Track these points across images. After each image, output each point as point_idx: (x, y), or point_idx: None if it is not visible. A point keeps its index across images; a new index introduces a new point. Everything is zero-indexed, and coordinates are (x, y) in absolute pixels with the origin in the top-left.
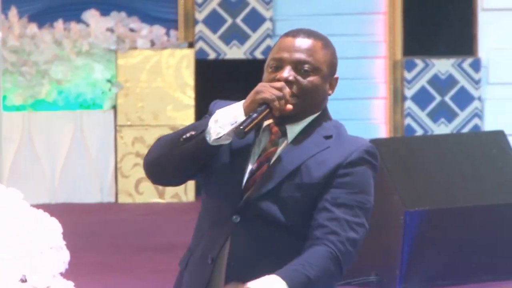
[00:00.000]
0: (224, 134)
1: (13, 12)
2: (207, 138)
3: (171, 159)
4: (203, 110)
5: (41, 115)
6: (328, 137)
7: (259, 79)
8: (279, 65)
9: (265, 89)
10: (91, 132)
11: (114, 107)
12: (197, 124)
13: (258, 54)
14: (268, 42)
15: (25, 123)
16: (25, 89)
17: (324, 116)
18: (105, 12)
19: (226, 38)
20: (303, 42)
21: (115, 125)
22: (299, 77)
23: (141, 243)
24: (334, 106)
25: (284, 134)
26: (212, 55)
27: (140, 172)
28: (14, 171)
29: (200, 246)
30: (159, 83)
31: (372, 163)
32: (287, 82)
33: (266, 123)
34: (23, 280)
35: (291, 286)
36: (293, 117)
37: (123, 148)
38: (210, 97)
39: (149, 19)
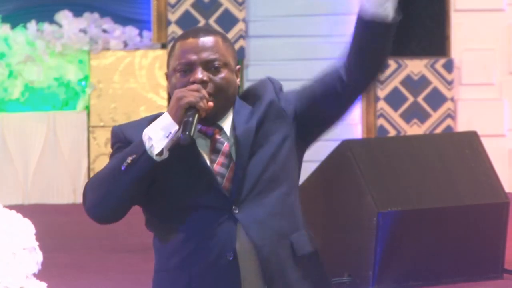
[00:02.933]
0: (163, 148)
1: None
2: (152, 156)
3: (118, 192)
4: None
5: (13, 116)
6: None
7: None
8: (188, 68)
9: (186, 93)
10: (64, 133)
11: (87, 108)
12: (130, 150)
13: None
14: (241, 42)
15: None
16: None
17: (240, 111)
18: (78, 13)
19: None
20: (205, 41)
21: (88, 126)
22: (211, 76)
23: (114, 244)
24: None
25: (221, 130)
26: None
27: None
28: None
29: (192, 255)
30: (132, 84)
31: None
32: (202, 82)
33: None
34: None
35: None
36: (217, 115)
37: (96, 149)
38: None
39: (122, 20)
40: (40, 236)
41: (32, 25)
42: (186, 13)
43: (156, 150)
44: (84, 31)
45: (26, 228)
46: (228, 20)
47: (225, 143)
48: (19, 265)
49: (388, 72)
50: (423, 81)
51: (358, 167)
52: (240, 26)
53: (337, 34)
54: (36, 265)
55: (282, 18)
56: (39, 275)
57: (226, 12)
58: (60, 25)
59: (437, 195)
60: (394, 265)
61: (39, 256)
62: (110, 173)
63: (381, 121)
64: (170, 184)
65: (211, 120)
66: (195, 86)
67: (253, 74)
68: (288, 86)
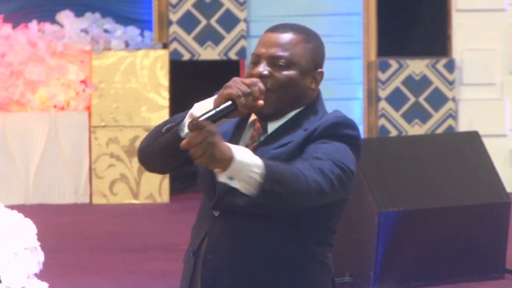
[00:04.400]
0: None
1: None
2: (179, 131)
3: (154, 148)
4: (177, 111)
5: (15, 116)
6: (306, 129)
7: None
8: (257, 60)
9: (233, 84)
10: (65, 133)
11: (89, 108)
12: (178, 116)
13: (232, 55)
14: (242, 43)
15: (1, 125)
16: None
17: (311, 110)
18: (79, 13)
19: (200, 39)
20: (281, 37)
21: (90, 126)
22: (274, 72)
23: (116, 244)
24: None
25: (265, 131)
26: (186, 56)
27: (115, 173)
28: None
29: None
30: (134, 84)
31: (343, 133)
32: (262, 77)
33: (251, 119)
34: None
35: (266, 165)
36: (274, 113)
37: (98, 149)
38: (185, 98)
39: (124, 20)
40: (42, 236)
41: (33, 25)
42: (187, 13)
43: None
44: (85, 31)
45: (28, 228)
46: (229, 20)
47: (253, 144)
48: (20, 265)
49: (389, 72)
50: (425, 81)
51: (359, 167)
52: (241, 26)
53: (337, 34)
54: (38, 265)
55: (283, 18)
56: (41, 275)
57: (227, 12)
58: (61, 25)
59: (438, 195)
60: (395, 265)
61: (40, 256)
62: (157, 129)
63: (382, 121)
64: (198, 166)
65: (268, 116)
66: (249, 80)
67: None
68: None
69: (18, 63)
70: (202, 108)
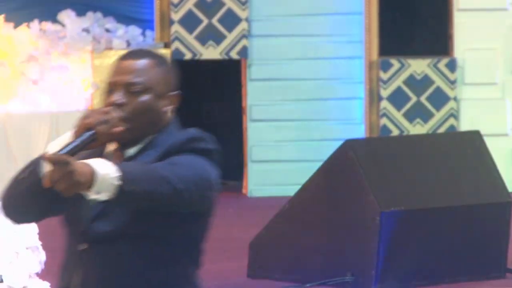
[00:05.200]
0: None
1: None
2: (39, 173)
3: (19, 196)
4: (179, 110)
5: (17, 116)
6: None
7: (235, 79)
8: (112, 88)
9: (91, 114)
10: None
11: (90, 108)
12: (35, 160)
13: (234, 54)
14: (244, 42)
15: (1, 124)
16: (1, 89)
17: (167, 133)
18: (80, 12)
19: (202, 39)
20: (133, 64)
21: None
22: (130, 99)
23: None
24: (311, 106)
25: (123, 158)
26: (188, 55)
27: None
28: None
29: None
30: None
31: (198, 147)
32: (118, 105)
33: (110, 148)
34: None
35: (122, 167)
36: (132, 140)
37: None
38: (187, 97)
39: (125, 19)
40: (43, 236)
41: (35, 24)
42: (189, 13)
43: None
44: (87, 30)
45: (29, 228)
46: (231, 20)
47: None
48: (22, 265)
49: (391, 71)
50: (426, 81)
51: (360, 166)
52: (243, 25)
53: (339, 34)
54: (39, 264)
55: (285, 17)
56: (42, 275)
57: (229, 11)
58: (63, 25)
59: (440, 194)
60: (397, 264)
61: (42, 256)
62: (16, 177)
63: (384, 121)
64: (64, 202)
65: (128, 143)
66: (106, 109)
67: (256, 73)
68: (292, 86)
69: (20, 62)
70: (57, 143)
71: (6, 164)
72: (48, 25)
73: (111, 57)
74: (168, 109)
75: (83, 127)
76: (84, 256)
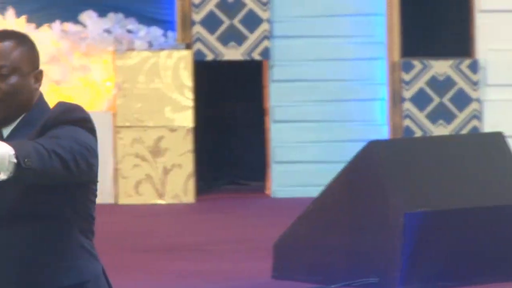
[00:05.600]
0: None
1: (10, 12)
2: None
3: None
4: (201, 111)
5: None
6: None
7: (256, 80)
8: None
9: None
10: None
11: (113, 108)
12: None
13: (255, 55)
14: (266, 43)
15: None
16: None
17: (39, 108)
18: (102, 13)
19: (224, 39)
20: None
21: (114, 126)
22: None
23: (141, 245)
24: (334, 107)
25: (1, 137)
26: (209, 56)
27: (140, 173)
28: None
29: None
30: (157, 84)
31: (72, 118)
32: None
33: None
34: None
35: (15, 145)
36: (5, 120)
37: (122, 149)
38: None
39: (147, 20)
40: None
41: (56, 25)
42: (210, 14)
43: None
44: (108, 31)
45: None
46: (252, 21)
47: None
48: None
49: (413, 73)
50: (449, 82)
51: (384, 167)
52: (264, 26)
53: (361, 35)
54: None
55: (306, 18)
56: None
57: (250, 12)
58: (84, 26)
59: (463, 195)
60: (421, 265)
61: None
62: None
63: (407, 122)
64: None
65: (1, 123)
66: None
67: (278, 74)
68: (314, 87)
69: (42, 63)
70: None
71: None
72: (69, 26)
73: (133, 58)
74: (35, 86)
75: None
76: None
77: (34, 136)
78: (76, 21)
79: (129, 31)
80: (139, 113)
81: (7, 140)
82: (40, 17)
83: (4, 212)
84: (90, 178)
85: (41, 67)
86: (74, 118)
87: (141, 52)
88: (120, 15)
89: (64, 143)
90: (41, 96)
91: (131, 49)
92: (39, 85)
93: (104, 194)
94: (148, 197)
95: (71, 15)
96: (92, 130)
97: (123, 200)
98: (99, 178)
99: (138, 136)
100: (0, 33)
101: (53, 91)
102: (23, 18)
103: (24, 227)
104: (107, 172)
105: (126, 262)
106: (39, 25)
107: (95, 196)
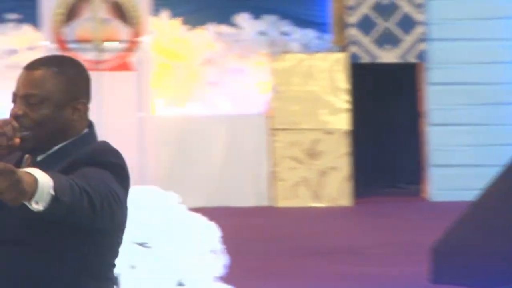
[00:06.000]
0: None
1: (165, 14)
2: None
3: None
4: (357, 114)
5: (195, 119)
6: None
7: (411, 83)
8: (14, 99)
9: None
10: (244, 136)
11: (268, 111)
12: None
13: (411, 58)
14: (422, 46)
15: (180, 127)
16: (178, 92)
17: (80, 141)
18: (257, 15)
19: (379, 42)
20: (31, 75)
21: (269, 129)
22: (29, 110)
23: (300, 247)
24: (491, 110)
25: (35, 164)
26: (364, 59)
27: (296, 176)
28: (171, 174)
29: None
30: (312, 86)
31: (104, 161)
32: (17, 116)
33: (26, 156)
34: (181, 284)
35: (55, 182)
36: (40, 147)
37: (279, 151)
38: (364, 101)
39: (301, 22)
40: (225, 239)
41: (211, 27)
42: (365, 16)
43: None
44: (263, 33)
45: (212, 231)
46: (407, 23)
47: None
48: (205, 268)
49: None
50: None
51: None
52: (420, 29)
53: None
54: (222, 268)
55: (463, 21)
56: (226, 278)
57: (405, 15)
58: (239, 28)
59: None
60: None
61: (225, 259)
62: None
63: None
64: None
65: (37, 150)
66: (1, 121)
67: (435, 77)
68: (471, 90)
69: (197, 65)
70: None
71: (185, 166)
72: (224, 28)
73: (288, 61)
74: (75, 117)
75: None
76: None
77: (59, 170)
78: (231, 23)
79: (284, 34)
80: (295, 115)
81: (39, 166)
82: (195, 19)
83: (3, 236)
84: (110, 224)
85: (195, 68)
86: (106, 162)
87: (296, 55)
88: (275, 17)
89: (93, 184)
90: (90, 130)
91: (285, 51)
92: (80, 116)
93: (259, 197)
94: (304, 199)
95: (225, 17)
96: (122, 178)
97: (280, 203)
98: (256, 180)
99: (294, 139)
100: (38, 61)
101: (208, 93)
102: (178, 20)
103: (18, 253)
104: (263, 175)
105: (286, 265)
106: (193, 27)
107: (119, 244)
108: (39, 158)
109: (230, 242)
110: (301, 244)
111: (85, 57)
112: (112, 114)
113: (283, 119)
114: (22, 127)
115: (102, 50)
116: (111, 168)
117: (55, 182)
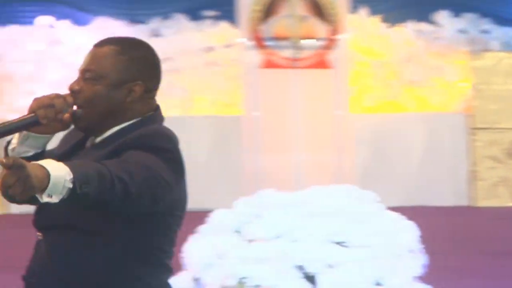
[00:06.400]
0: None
1: (364, 11)
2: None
3: None
4: None
5: (392, 117)
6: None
7: None
8: (77, 75)
9: (40, 98)
10: (443, 135)
11: (468, 110)
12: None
13: None
14: None
15: (377, 126)
16: (376, 90)
17: (140, 125)
18: (457, 13)
19: None
20: (94, 51)
21: (469, 128)
22: (84, 86)
23: (498, 247)
24: None
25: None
26: None
27: (496, 176)
28: (368, 173)
29: None
30: None
31: (153, 145)
32: (73, 92)
33: (91, 138)
34: (379, 284)
35: (72, 167)
36: (90, 128)
37: (479, 151)
38: None
39: (502, 20)
40: (424, 239)
41: (410, 25)
42: None
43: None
44: (463, 31)
45: (410, 230)
46: None
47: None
48: (403, 267)
49: None
50: None
51: None
52: None
53: None
54: (421, 267)
55: None
56: (424, 278)
57: None
58: (439, 25)
59: None
60: None
61: (423, 259)
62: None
63: None
64: None
65: (87, 130)
66: (53, 94)
67: None
68: None
69: (396, 63)
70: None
71: (383, 165)
72: (424, 26)
73: (488, 59)
74: (129, 99)
75: (29, 109)
76: (38, 245)
77: (106, 154)
78: (431, 21)
79: (484, 32)
80: (495, 114)
81: (95, 149)
82: (394, 16)
83: (49, 221)
84: (152, 209)
85: (395, 67)
86: (152, 146)
87: (497, 53)
88: (475, 15)
89: (133, 170)
90: (154, 114)
91: (486, 49)
92: (136, 99)
93: (458, 196)
94: (504, 199)
95: (425, 15)
96: (171, 163)
97: (480, 203)
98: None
99: (494, 138)
100: (107, 39)
101: (407, 91)
102: (377, 17)
103: (71, 239)
104: (461, 174)
105: (483, 265)
106: (393, 24)
107: (172, 230)
108: (97, 139)
109: (429, 241)
110: (500, 244)
111: (282, 54)
112: (309, 111)
113: (483, 118)
114: (75, 103)
115: (299, 48)
116: (158, 152)
117: (77, 174)
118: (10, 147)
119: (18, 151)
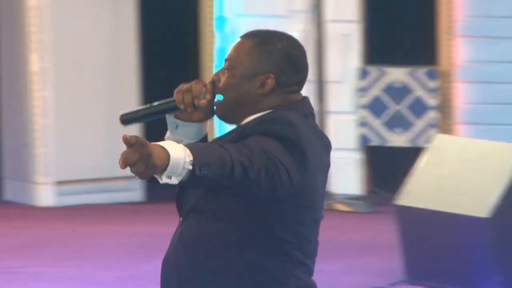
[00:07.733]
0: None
1: None
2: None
3: None
4: None
5: None
6: None
7: None
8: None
9: (185, 85)
10: None
11: None
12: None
13: None
14: None
15: None
16: None
17: (270, 115)
18: None
19: None
20: (236, 42)
21: None
22: (222, 76)
23: None
24: None
25: None
26: None
27: None
28: None
29: None
30: None
31: (273, 130)
32: (213, 81)
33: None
34: None
35: (192, 150)
36: (226, 117)
37: None
38: None
39: None
40: None
41: None
42: None
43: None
44: None
45: None
46: None
47: None
48: None
49: None
50: None
51: None
52: None
53: None
54: None
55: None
56: None
57: None
58: None
59: None
60: None
61: None
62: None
63: None
64: None
65: (224, 119)
66: (196, 80)
67: None
68: None
69: None
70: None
71: None
72: None
73: None
74: (260, 91)
75: (175, 95)
76: (177, 229)
77: (230, 139)
78: None
79: None
80: None
81: (225, 136)
82: None
83: (190, 204)
84: (271, 195)
85: None
86: (273, 131)
87: None
88: None
89: (253, 155)
90: (289, 106)
91: None
92: (267, 91)
93: None
94: None
95: None
96: (292, 148)
97: None
98: None
99: None
100: (253, 31)
101: None
102: None
103: (202, 223)
104: None
105: None
106: None
107: (297, 221)
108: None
109: None
110: None
111: None
112: None
113: None
114: (215, 91)
115: None
116: (278, 137)
117: (197, 157)
118: (166, 135)
119: (173, 140)
